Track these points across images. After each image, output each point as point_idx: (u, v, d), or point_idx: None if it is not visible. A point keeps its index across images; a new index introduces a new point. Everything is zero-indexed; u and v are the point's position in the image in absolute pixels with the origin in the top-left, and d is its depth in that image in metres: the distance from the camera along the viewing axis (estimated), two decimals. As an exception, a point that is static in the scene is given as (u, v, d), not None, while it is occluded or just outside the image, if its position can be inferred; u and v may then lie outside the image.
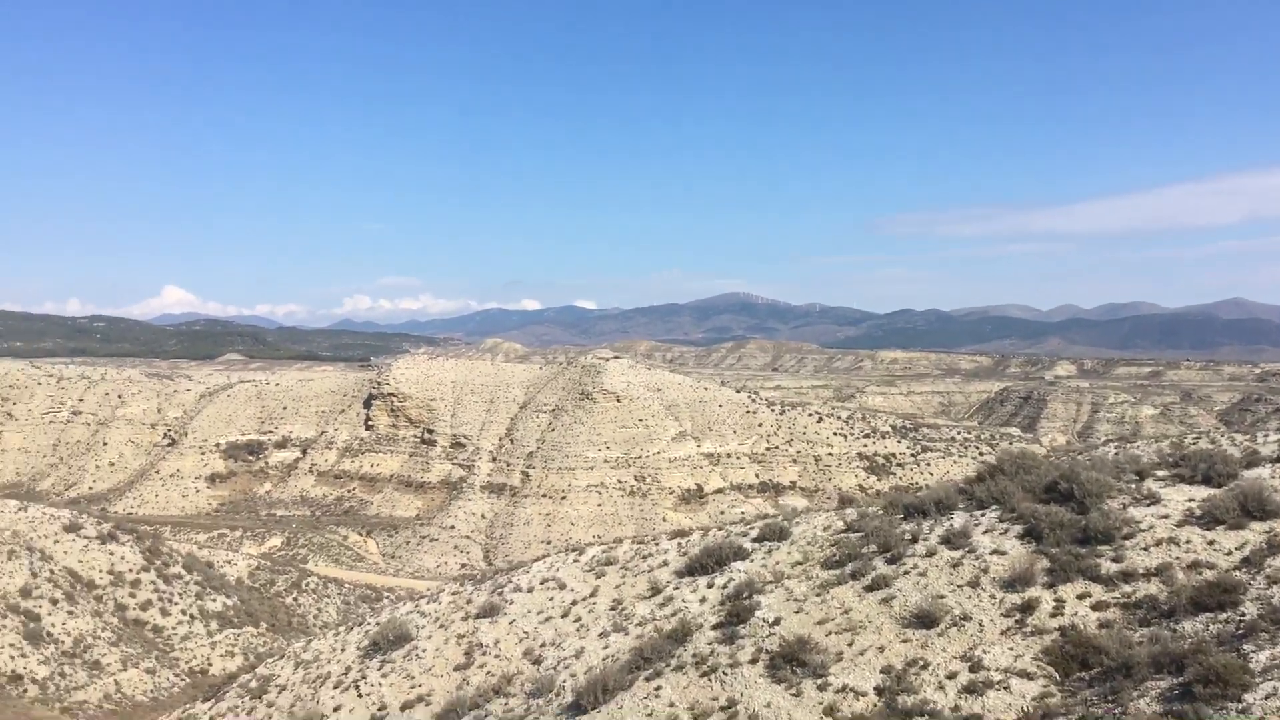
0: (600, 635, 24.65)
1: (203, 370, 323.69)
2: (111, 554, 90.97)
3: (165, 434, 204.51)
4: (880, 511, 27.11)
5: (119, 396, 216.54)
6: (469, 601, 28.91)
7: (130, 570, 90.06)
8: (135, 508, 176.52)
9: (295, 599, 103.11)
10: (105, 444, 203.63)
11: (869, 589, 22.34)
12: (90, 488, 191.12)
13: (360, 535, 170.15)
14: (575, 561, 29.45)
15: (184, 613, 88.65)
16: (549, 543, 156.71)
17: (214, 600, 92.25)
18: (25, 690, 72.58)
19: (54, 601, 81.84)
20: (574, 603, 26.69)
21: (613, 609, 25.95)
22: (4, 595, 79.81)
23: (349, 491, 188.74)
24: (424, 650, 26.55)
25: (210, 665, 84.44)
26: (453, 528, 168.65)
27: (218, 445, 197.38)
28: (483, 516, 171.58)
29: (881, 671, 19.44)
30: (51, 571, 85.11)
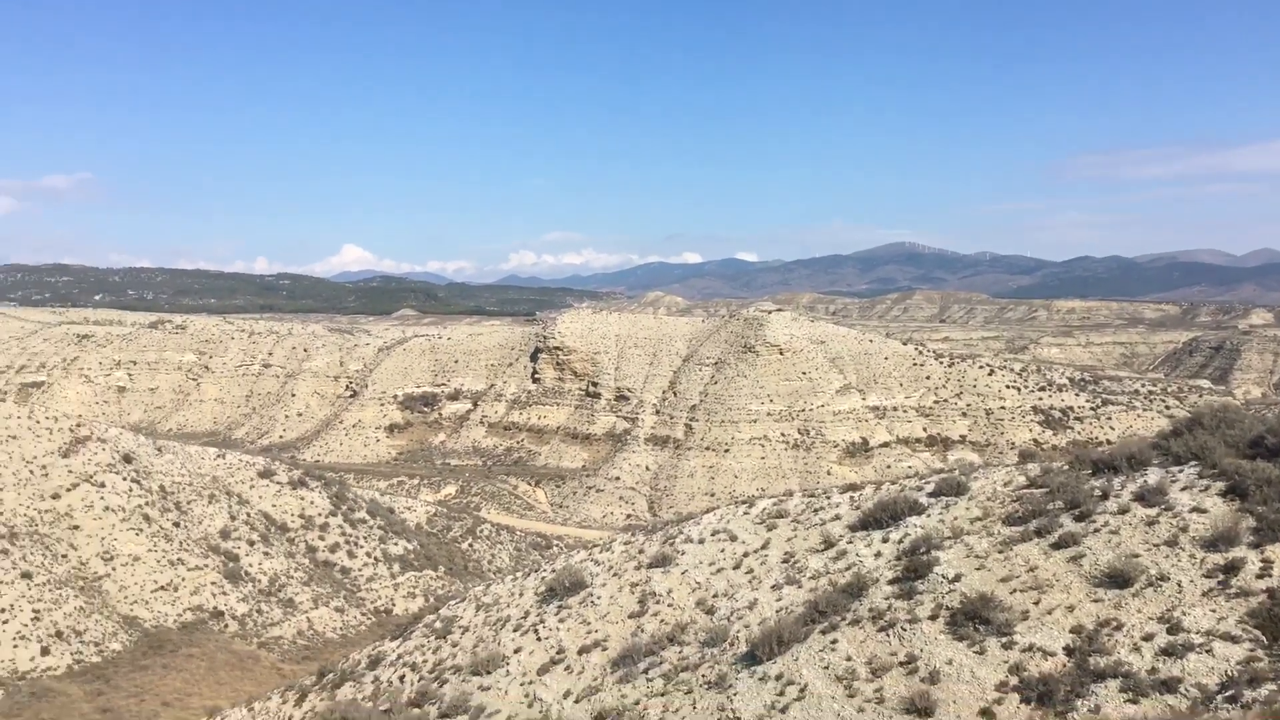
0: (773, 587, 24.58)
1: (380, 325, 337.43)
2: (302, 499, 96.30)
3: (347, 386, 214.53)
4: (1066, 467, 26.02)
5: (305, 350, 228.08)
6: (641, 551, 29.28)
7: (319, 514, 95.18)
8: (321, 455, 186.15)
9: (470, 545, 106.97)
10: (293, 395, 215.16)
11: (1056, 546, 21.49)
12: (280, 436, 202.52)
13: (529, 485, 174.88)
14: (745, 514, 29.41)
15: (369, 555, 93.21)
16: (713, 495, 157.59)
17: (396, 544, 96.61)
18: (226, 625, 77.90)
19: (251, 543, 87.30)
20: (745, 554, 26.68)
21: (784, 561, 25.82)
22: (206, 537, 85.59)
23: (518, 442, 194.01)
24: (599, 597, 27.04)
25: (394, 605, 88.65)
26: (618, 479, 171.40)
27: (395, 397, 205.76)
28: (647, 468, 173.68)
29: (1071, 631, 18.71)
30: (248, 515, 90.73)
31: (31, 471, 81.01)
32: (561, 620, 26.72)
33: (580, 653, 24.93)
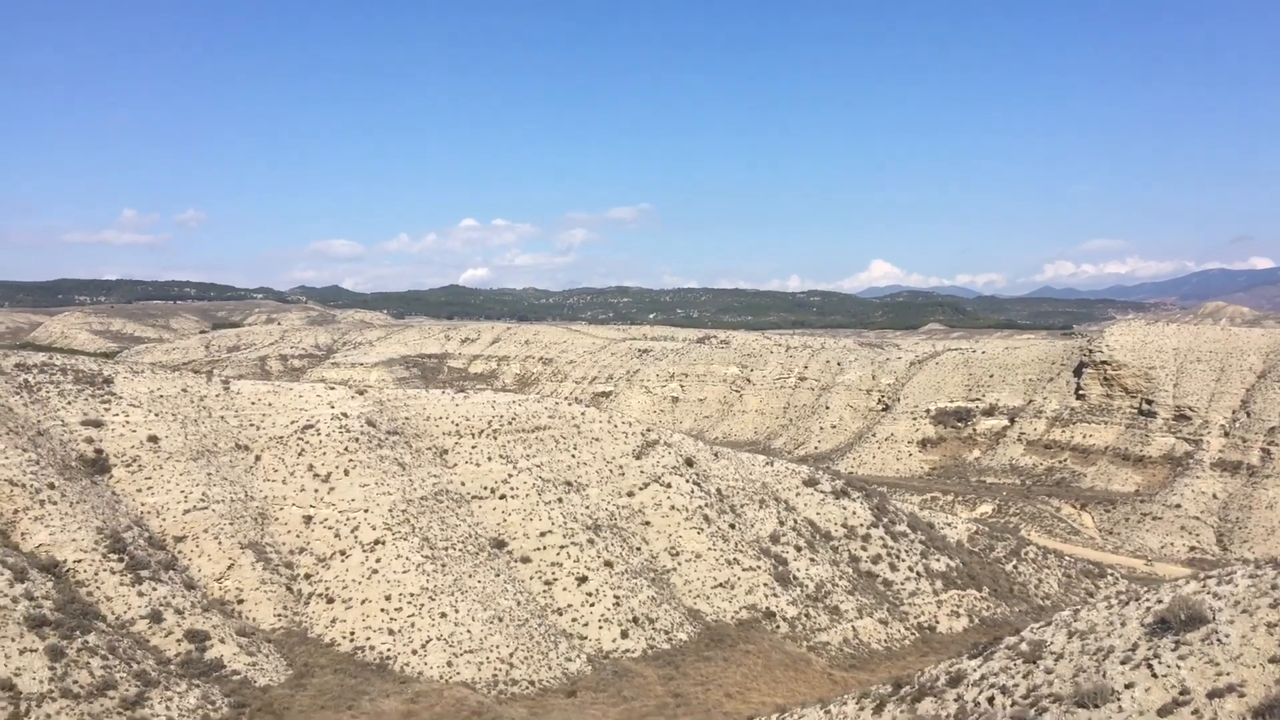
0: None
1: (909, 339, 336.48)
2: (844, 508, 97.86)
3: (879, 399, 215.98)
4: None
5: (838, 364, 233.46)
6: (1274, 586, 25.39)
7: (861, 525, 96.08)
8: (854, 467, 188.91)
9: (1015, 567, 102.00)
10: (827, 408, 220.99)
11: None
12: (815, 447, 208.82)
13: (1074, 508, 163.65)
14: None
15: (910, 569, 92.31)
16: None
17: (937, 560, 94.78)
18: (778, 626, 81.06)
19: (798, 549, 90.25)
20: None
21: None
22: (757, 540, 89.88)
23: (1059, 462, 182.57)
24: (1226, 635, 23.80)
25: (937, 623, 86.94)
26: (1178, 506, 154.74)
27: (927, 411, 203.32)
28: (1214, 496, 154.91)
29: None
30: (795, 521, 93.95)
31: (611, 470, 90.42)
32: (1181, 657, 23.85)
33: (1210, 697, 22.03)
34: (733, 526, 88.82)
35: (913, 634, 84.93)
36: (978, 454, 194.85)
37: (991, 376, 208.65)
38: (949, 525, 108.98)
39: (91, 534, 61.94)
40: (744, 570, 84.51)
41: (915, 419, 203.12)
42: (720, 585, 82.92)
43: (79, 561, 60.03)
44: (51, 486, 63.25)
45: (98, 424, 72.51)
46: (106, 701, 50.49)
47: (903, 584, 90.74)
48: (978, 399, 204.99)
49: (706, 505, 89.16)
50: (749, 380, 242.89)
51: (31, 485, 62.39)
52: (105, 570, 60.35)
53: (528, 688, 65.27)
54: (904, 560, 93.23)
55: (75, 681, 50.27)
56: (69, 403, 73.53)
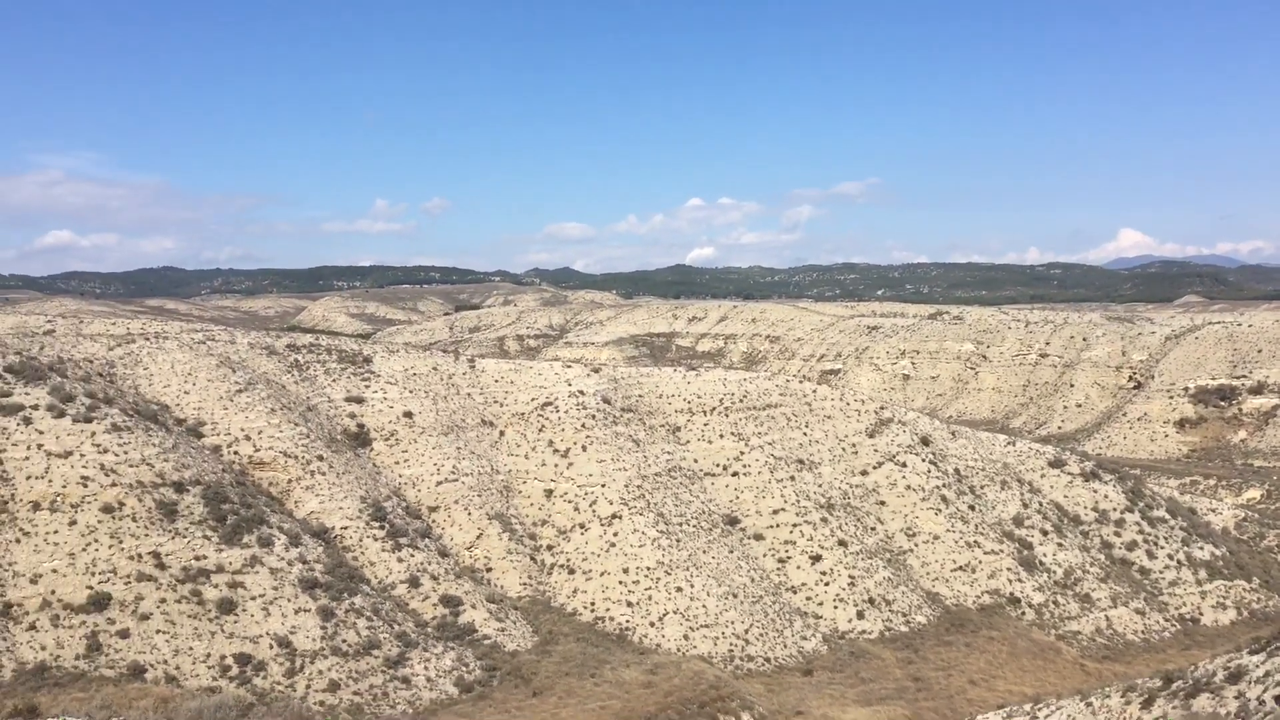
0: None
1: (1162, 313, 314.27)
2: (1094, 491, 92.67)
3: (1130, 377, 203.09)
4: None
5: (1083, 339, 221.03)
6: None
7: (1114, 509, 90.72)
8: (1103, 449, 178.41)
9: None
10: (1071, 385, 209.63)
11: None
12: (1059, 427, 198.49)
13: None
14: None
15: (1170, 557, 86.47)
16: None
17: (1200, 548, 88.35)
18: (1023, 613, 77.74)
19: (1044, 532, 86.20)
20: None
21: None
22: (999, 522, 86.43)
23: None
24: None
25: (1200, 615, 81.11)
26: None
27: (1185, 389, 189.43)
28: None
29: None
30: (1040, 504, 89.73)
31: (844, 449, 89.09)
32: None
33: None
34: (972, 508, 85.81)
35: (1173, 626, 79.61)
36: (1244, 435, 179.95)
37: (1260, 351, 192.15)
38: (1213, 511, 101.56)
39: (356, 503, 66.49)
40: (985, 553, 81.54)
41: (1172, 397, 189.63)
42: (960, 568, 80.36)
43: (345, 528, 64.58)
44: (320, 458, 68.28)
45: (359, 400, 77.67)
46: (371, 660, 54.18)
47: (1161, 572, 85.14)
48: (1244, 376, 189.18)
49: (944, 485, 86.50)
50: (985, 357, 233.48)
51: (303, 457, 67.56)
52: (369, 537, 64.68)
53: (763, 664, 65.42)
54: (1162, 547, 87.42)
55: (344, 640, 54.17)
56: (334, 380, 79.10)
